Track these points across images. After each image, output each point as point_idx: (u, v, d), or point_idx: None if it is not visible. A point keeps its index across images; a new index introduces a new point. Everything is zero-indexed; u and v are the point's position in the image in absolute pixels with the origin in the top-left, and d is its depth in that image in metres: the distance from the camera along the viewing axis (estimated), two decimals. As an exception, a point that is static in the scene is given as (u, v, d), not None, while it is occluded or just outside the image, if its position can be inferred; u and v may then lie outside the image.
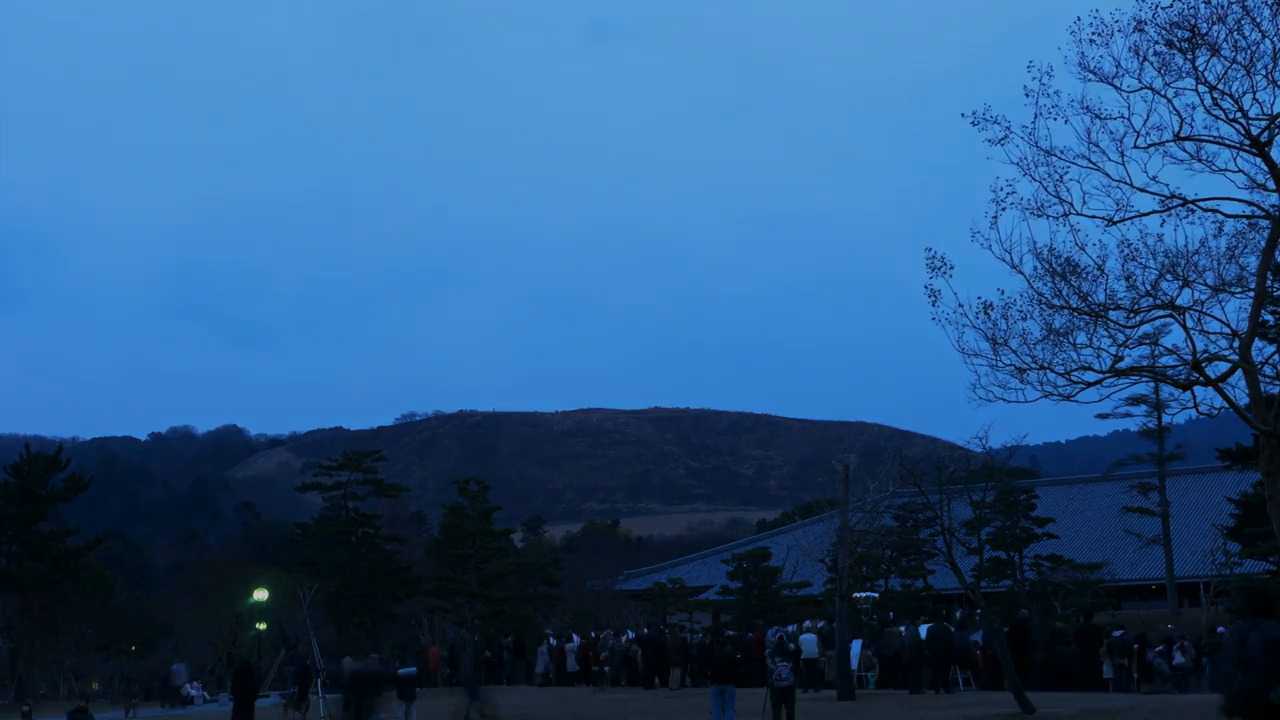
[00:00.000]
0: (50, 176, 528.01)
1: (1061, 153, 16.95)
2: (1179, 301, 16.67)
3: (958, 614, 40.63)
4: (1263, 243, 16.57)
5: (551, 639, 49.25)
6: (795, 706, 24.83)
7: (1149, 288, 16.61)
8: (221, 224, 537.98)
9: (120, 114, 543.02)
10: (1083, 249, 16.94)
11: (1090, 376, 17.16)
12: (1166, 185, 16.66)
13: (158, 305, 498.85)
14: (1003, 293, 17.35)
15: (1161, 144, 16.57)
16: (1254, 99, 16.04)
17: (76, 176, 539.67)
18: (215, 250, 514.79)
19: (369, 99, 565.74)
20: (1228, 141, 16.44)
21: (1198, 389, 17.00)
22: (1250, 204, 16.66)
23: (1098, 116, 16.65)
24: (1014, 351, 17.26)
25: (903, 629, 36.26)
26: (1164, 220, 16.69)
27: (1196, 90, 16.21)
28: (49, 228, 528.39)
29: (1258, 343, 17.72)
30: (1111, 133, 16.63)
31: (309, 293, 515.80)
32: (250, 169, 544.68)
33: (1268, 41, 15.72)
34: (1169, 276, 16.58)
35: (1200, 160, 16.64)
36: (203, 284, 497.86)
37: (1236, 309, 16.82)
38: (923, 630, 34.29)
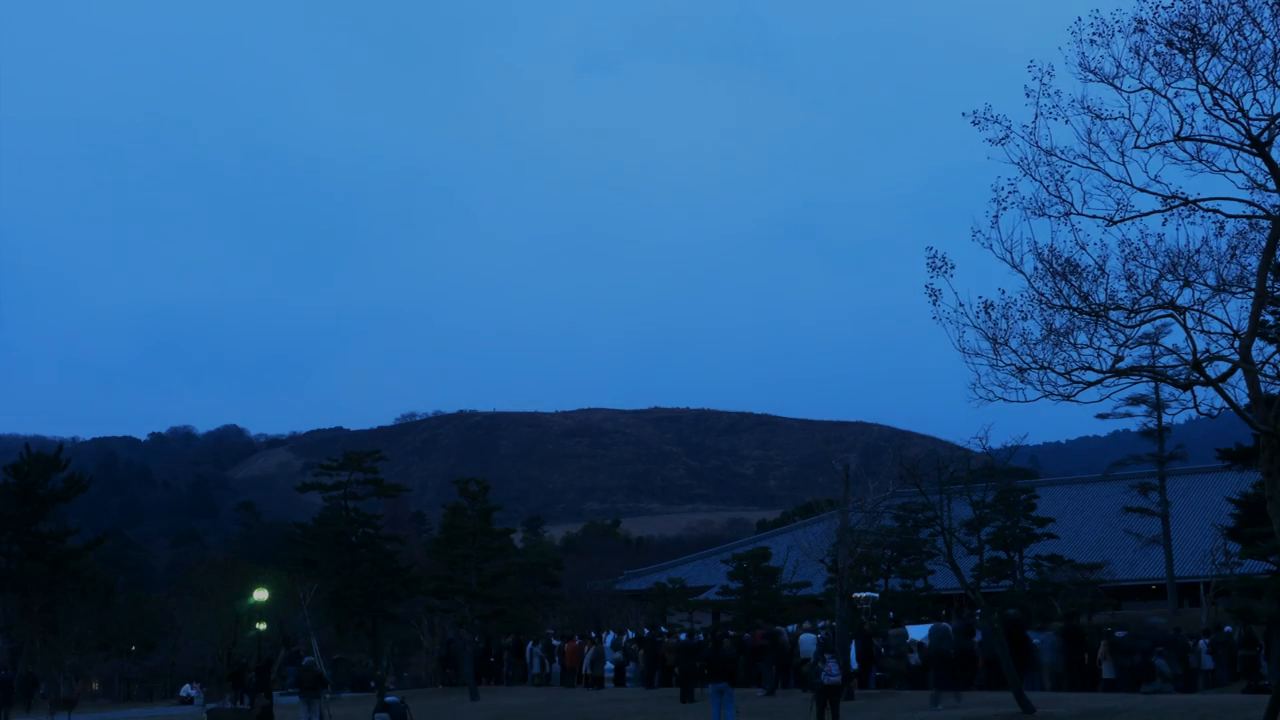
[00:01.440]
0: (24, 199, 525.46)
1: (1062, 153, 16.96)
2: (1179, 301, 16.66)
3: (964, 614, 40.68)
4: (1263, 242, 16.56)
5: (554, 640, 49.25)
6: (840, 705, 24.57)
7: (1149, 287, 16.60)
8: (217, 235, 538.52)
9: (108, 142, 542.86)
10: (1083, 249, 16.93)
11: (1090, 376, 17.15)
12: (1167, 185, 16.67)
13: (144, 341, 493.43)
14: (1003, 292, 17.34)
15: (1162, 144, 16.56)
16: (1254, 99, 16.04)
17: (59, 198, 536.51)
18: (207, 270, 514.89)
19: (370, 97, 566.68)
20: (1228, 141, 16.44)
21: (1198, 389, 16.99)
22: (1251, 204, 16.66)
23: (1098, 116, 16.65)
24: (1014, 351, 17.25)
25: (911, 629, 36.13)
26: (1165, 220, 16.70)
27: (1197, 90, 16.21)
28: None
29: (1258, 343, 17.70)
30: (1112, 133, 16.64)
31: (311, 311, 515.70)
32: (248, 169, 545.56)
33: (1268, 41, 15.71)
34: (1169, 276, 16.57)
35: (1200, 160, 16.63)
36: (194, 315, 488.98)
37: (1237, 309, 16.82)
38: (918, 631, 34.25)
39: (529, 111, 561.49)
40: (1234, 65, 15.84)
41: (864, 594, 48.75)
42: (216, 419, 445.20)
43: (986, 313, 17.25)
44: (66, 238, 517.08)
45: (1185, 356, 16.76)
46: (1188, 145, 16.55)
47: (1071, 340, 17.05)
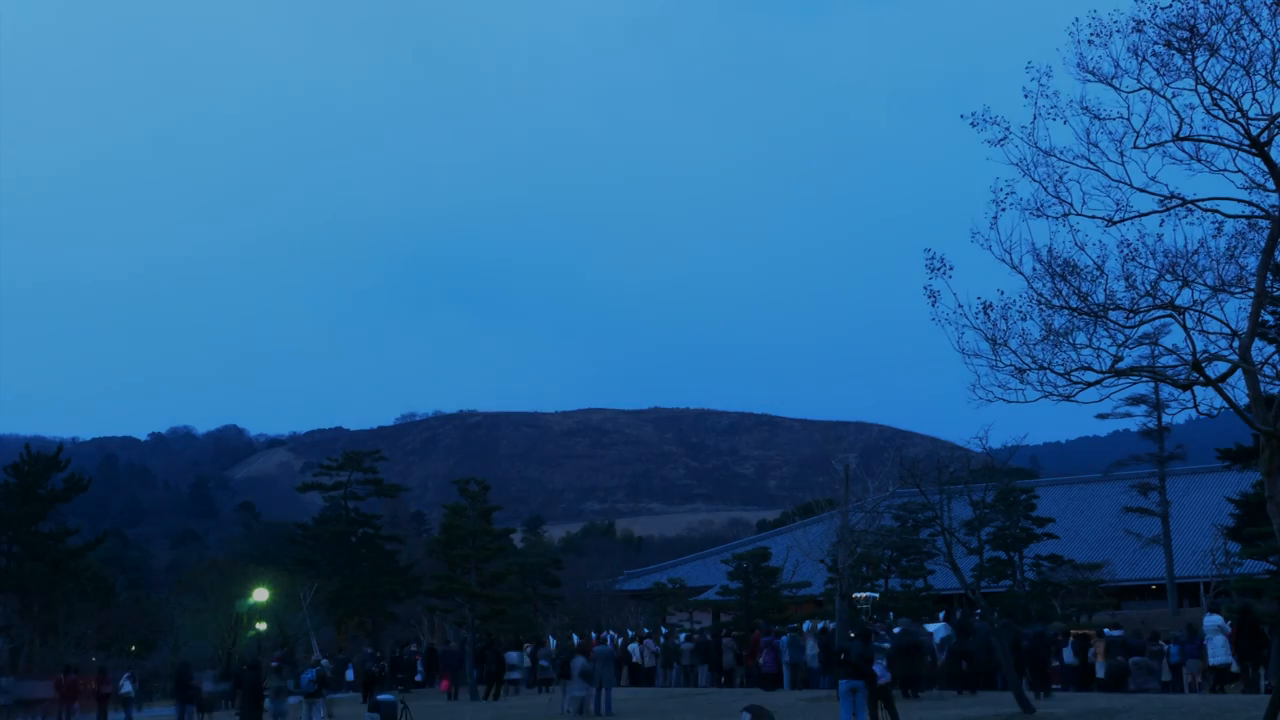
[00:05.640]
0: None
1: (1061, 153, 16.94)
2: (1179, 301, 16.64)
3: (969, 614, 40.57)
4: (1262, 243, 16.55)
5: (552, 640, 49.31)
6: (894, 705, 23.02)
7: (1149, 288, 16.58)
8: (218, 236, 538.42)
9: (119, 116, 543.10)
10: (1082, 249, 16.91)
11: (1090, 376, 17.14)
12: (1166, 185, 16.66)
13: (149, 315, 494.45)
14: (1002, 293, 17.32)
15: (1161, 144, 16.54)
16: (1253, 99, 16.01)
17: (60, 197, 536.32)
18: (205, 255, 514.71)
19: (368, 89, 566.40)
20: (1227, 141, 16.42)
21: (1198, 389, 16.98)
22: (1250, 204, 16.65)
23: (1097, 117, 16.62)
24: (1014, 352, 17.22)
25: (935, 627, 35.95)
26: (1163, 220, 16.68)
27: (1196, 90, 16.19)
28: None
29: (1258, 343, 17.70)
30: (1110, 133, 16.61)
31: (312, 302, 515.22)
32: (246, 169, 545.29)
33: (1267, 42, 15.71)
34: (1169, 276, 16.56)
35: (1199, 160, 16.61)
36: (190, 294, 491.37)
37: (1236, 309, 16.81)
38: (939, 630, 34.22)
39: (529, 108, 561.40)
40: (1232, 65, 15.83)
41: (864, 594, 48.71)
42: (216, 419, 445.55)
43: (986, 314, 17.24)
44: (67, 237, 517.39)
45: (1185, 357, 16.75)
46: (1186, 145, 16.54)
47: (1071, 341, 17.04)
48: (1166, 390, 43.93)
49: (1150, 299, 16.61)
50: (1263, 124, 16.07)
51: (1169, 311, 16.72)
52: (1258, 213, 16.60)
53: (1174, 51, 15.99)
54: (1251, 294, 16.63)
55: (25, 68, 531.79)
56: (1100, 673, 34.27)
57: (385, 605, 67.84)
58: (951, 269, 17.41)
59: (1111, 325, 16.91)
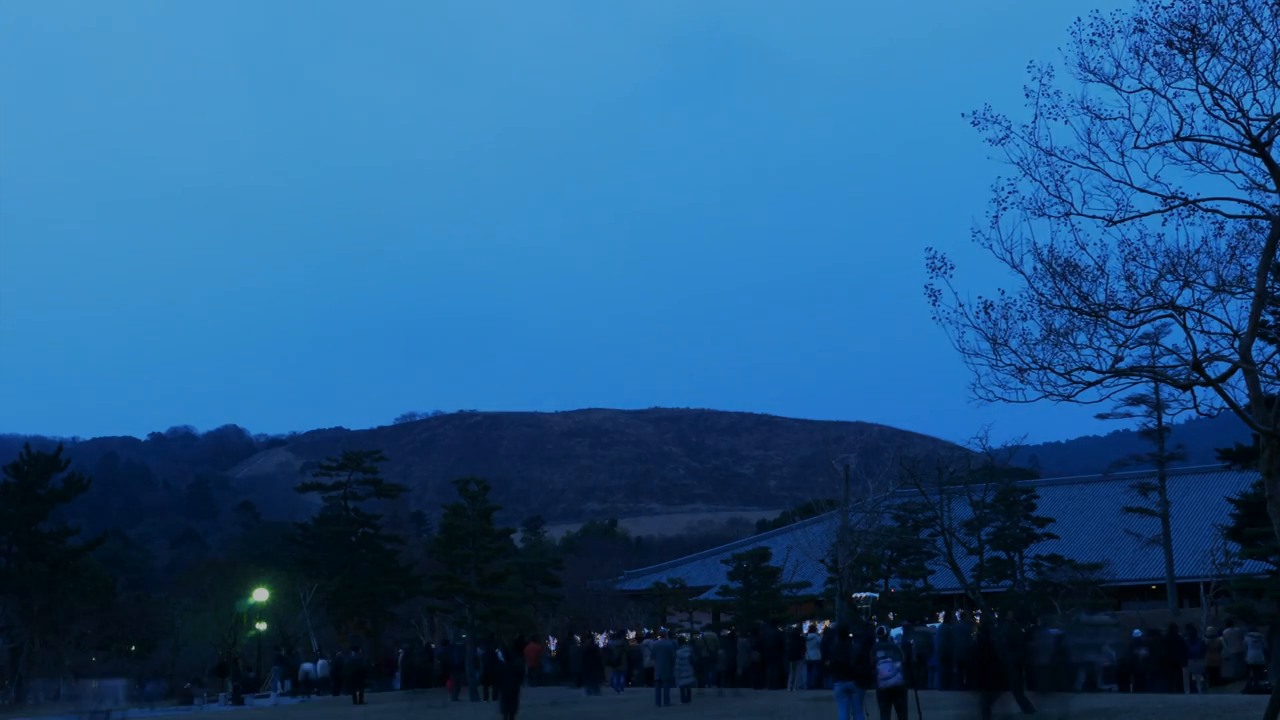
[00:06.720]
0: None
1: (1062, 153, 16.94)
2: (1179, 301, 16.65)
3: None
4: (1263, 243, 16.55)
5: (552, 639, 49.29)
6: (906, 707, 21.81)
7: (1149, 288, 16.58)
8: (218, 236, 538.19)
9: (118, 117, 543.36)
10: (1083, 249, 16.92)
11: (1090, 376, 17.14)
12: (1167, 185, 16.66)
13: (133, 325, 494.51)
14: (1003, 293, 17.32)
15: (1161, 144, 16.54)
16: (1254, 99, 16.03)
17: (60, 197, 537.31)
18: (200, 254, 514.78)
19: (368, 92, 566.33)
20: (1228, 142, 16.43)
21: (1198, 389, 16.98)
22: (1250, 204, 16.65)
23: (1098, 117, 16.63)
24: (1014, 351, 17.23)
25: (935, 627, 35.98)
26: (1164, 220, 16.69)
27: (1197, 90, 16.20)
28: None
29: (1258, 343, 17.70)
30: (1111, 133, 16.62)
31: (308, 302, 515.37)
32: (243, 171, 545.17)
33: (1268, 42, 15.71)
34: (1169, 276, 16.56)
35: (1200, 160, 16.62)
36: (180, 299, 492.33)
37: (1237, 309, 16.82)
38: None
39: (527, 108, 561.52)
40: (1234, 65, 15.83)
41: (864, 594, 48.72)
42: (216, 419, 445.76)
43: (986, 313, 17.24)
44: (67, 236, 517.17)
45: (1185, 357, 16.75)
46: (1187, 145, 16.55)
47: (1071, 340, 17.04)
48: (1166, 390, 43.91)
49: (1151, 299, 16.62)
50: (1263, 124, 16.07)
51: (1169, 311, 16.72)
52: (1258, 213, 16.61)
53: (1175, 51, 16.00)
54: (1252, 294, 16.63)
55: None
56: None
57: (385, 605, 67.71)
58: (952, 268, 17.43)
59: (1112, 325, 16.91)
